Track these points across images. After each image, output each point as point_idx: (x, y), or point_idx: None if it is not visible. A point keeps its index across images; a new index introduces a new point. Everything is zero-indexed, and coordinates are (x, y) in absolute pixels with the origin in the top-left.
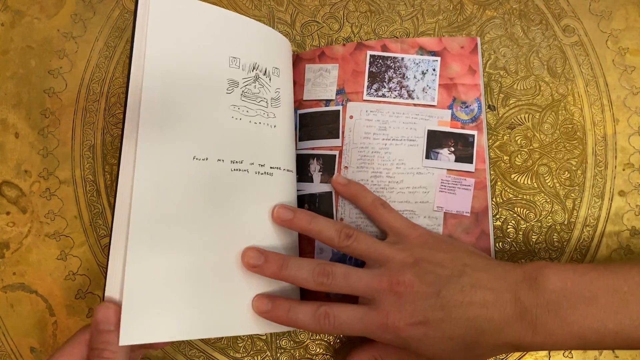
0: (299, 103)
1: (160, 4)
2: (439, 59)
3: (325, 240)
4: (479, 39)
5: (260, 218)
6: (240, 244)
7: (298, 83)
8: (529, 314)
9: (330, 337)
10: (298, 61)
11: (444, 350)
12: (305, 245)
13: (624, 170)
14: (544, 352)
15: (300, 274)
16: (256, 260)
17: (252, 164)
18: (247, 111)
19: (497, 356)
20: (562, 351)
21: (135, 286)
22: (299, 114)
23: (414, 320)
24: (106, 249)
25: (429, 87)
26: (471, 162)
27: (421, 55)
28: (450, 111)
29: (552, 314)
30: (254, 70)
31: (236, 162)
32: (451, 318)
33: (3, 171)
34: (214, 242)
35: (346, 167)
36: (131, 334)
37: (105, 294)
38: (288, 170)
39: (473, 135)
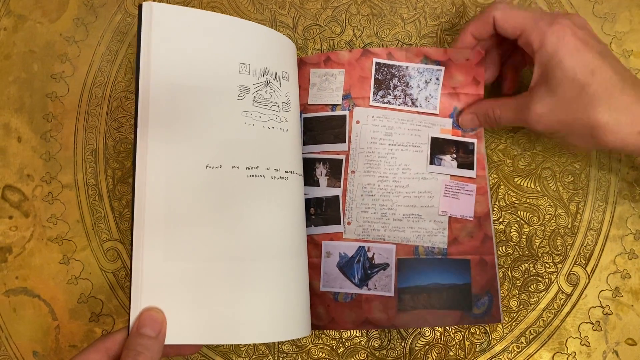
0: (303, 107)
1: (164, 16)
2: (443, 68)
3: None
4: (484, 52)
5: (276, 222)
6: (255, 248)
7: (302, 87)
8: None
9: (333, 342)
10: (302, 65)
11: (581, 84)
12: (312, 250)
13: (628, 173)
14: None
15: None
16: None
17: (268, 169)
18: (260, 116)
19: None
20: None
21: (154, 290)
22: (304, 118)
23: (581, 33)
24: (108, 253)
25: (431, 97)
26: (472, 169)
27: (425, 64)
28: (451, 120)
29: None
30: (265, 75)
31: (252, 167)
32: (607, 57)
33: (6, 175)
34: (229, 247)
35: (353, 172)
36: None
37: (132, 296)
38: (299, 174)
39: (473, 143)
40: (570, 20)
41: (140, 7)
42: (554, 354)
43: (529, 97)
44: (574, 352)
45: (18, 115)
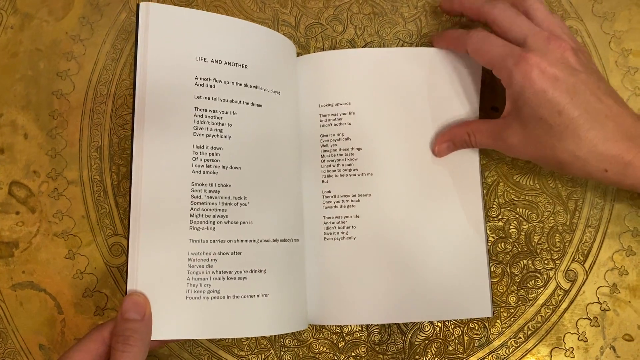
0: None
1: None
2: None
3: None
4: None
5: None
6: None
7: None
8: None
9: (334, 336)
10: None
11: (548, 124)
12: None
13: None
14: (546, 352)
15: None
16: None
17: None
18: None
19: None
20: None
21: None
22: None
23: (550, 69)
24: (113, 248)
25: None
26: None
27: None
28: None
29: None
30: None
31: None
32: (578, 93)
33: (12, 171)
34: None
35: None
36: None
37: (128, 288)
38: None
39: None
40: (540, 56)
41: (137, 7)
42: (552, 349)
43: (502, 125)
44: (572, 347)
45: (24, 113)
